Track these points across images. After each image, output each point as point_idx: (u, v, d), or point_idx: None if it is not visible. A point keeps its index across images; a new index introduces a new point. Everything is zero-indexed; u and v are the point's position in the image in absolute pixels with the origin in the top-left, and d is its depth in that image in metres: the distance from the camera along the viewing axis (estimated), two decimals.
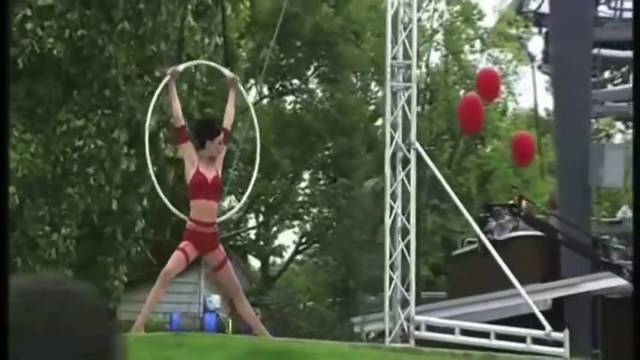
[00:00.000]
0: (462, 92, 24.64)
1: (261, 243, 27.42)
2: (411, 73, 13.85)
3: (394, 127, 13.16)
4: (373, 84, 26.53)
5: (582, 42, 21.75)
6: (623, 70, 29.86)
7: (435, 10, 24.79)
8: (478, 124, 22.57)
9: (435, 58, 25.40)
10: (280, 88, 25.25)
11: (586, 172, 21.46)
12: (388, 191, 12.74)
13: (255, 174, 10.36)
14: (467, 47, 26.35)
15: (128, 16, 16.86)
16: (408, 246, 12.85)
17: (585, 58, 22.03)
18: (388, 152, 12.93)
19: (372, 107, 25.89)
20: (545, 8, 26.05)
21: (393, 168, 12.91)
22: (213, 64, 10.89)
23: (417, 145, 13.20)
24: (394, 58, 13.95)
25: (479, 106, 22.64)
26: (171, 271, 8.93)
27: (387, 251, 12.87)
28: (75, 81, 16.95)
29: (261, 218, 27.46)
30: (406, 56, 13.92)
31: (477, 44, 26.67)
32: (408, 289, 12.97)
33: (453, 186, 24.50)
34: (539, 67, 27.16)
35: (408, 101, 13.42)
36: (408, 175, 12.85)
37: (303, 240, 26.99)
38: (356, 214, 24.06)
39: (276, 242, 28.48)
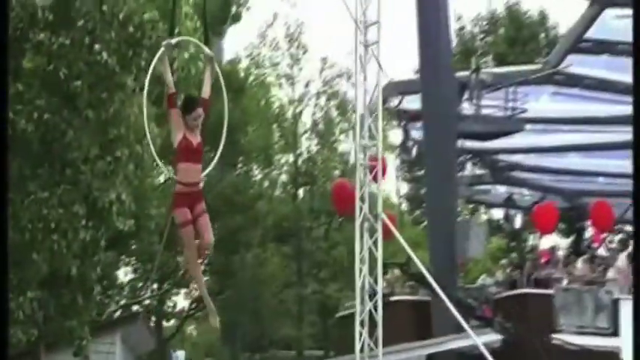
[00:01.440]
0: (337, 174, 26.40)
1: (158, 307, 28.07)
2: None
3: (362, 199, 14.47)
4: (255, 167, 27.90)
5: (449, 134, 23.78)
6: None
7: (317, 104, 26.57)
8: (349, 206, 24.23)
9: (314, 146, 27.23)
10: None
11: (453, 245, 23.31)
12: (358, 256, 14.01)
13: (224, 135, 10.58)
14: (342, 137, 28.32)
15: (92, 104, 17.62)
16: (375, 305, 14.10)
17: (451, 148, 24.06)
18: (358, 221, 14.24)
19: (255, 188, 27.30)
20: (405, 104, 28.16)
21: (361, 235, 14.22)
22: (196, 41, 11.16)
23: (384, 215, 14.55)
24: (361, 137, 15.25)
25: (349, 191, 24.41)
26: (195, 255, 9.48)
27: (358, 310, 14.05)
28: (41, 159, 17.57)
29: (155, 285, 28.18)
30: (372, 137, 15.27)
31: (350, 135, 28.61)
32: (376, 345, 14.17)
33: (328, 256, 26.12)
34: (399, 155, 29.26)
35: (374, 177, 14.79)
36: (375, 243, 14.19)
37: (194, 305, 27.88)
38: (245, 281, 25.30)
39: (172, 306, 29.19)
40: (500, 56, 30.56)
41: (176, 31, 18.56)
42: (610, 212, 26.85)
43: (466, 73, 25.00)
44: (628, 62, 26.52)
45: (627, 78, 26.71)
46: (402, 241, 15.93)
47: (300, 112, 25.84)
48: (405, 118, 28.32)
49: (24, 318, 16.92)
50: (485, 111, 24.66)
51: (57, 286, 17.81)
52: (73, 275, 17.54)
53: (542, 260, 25.11)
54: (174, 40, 10.00)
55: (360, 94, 15.78)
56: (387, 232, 23.65)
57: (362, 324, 14.17)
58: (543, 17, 35.92)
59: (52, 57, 17.37)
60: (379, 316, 14.32)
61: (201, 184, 9.50)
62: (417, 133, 28.79)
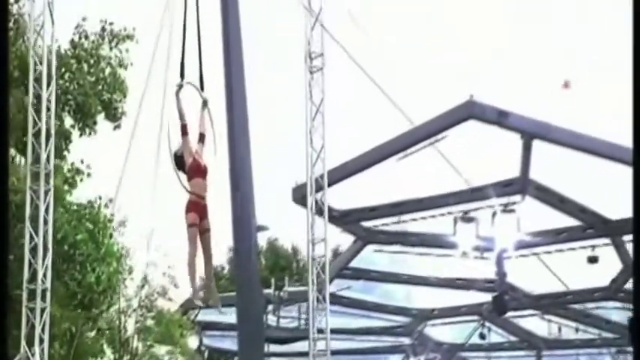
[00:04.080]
0: None
1: None
2: None
3: None
4: None
5: (258, 340, 26.50)
6: None
7: (142, 314, 28.65)
8: None
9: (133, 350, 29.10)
10: None
11: None
12: None
13: None
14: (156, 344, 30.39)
15: None
16: None
17: (259, 351, 26.75)
18: None
19: None
20: (202, 316, 30.95)
21: None
22: (194, 85, 10.78)
23: None
24: None
25: None
26: (194, 252, 10.03)
27: None
28: None
29: None
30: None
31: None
32: None
33: None
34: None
35: None
36: None
37: None
38: None
39: None
40: (262, 279, 34.11)
41: (102, 250, 20.61)
42: None
43: (269, 290, 28.41)
44: (377, 284, 31.19)
45: (374, 298, 31.43)
46: None
47: (126, 321, 27.81)
48: (201, 327, 31.17)
49: None
50: (283, 321, 27.99)
51: None
52: None
53: None
54: (184, 82, 10.73)
55: None
56: None
57: None
58: (295, 251, 41.11)
59: None
60: None
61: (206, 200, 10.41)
62: (207, 340, 31.75)
